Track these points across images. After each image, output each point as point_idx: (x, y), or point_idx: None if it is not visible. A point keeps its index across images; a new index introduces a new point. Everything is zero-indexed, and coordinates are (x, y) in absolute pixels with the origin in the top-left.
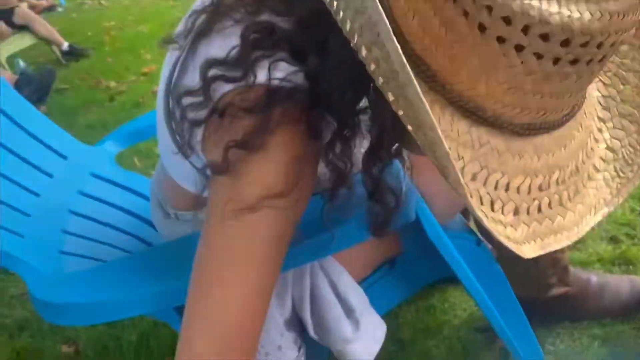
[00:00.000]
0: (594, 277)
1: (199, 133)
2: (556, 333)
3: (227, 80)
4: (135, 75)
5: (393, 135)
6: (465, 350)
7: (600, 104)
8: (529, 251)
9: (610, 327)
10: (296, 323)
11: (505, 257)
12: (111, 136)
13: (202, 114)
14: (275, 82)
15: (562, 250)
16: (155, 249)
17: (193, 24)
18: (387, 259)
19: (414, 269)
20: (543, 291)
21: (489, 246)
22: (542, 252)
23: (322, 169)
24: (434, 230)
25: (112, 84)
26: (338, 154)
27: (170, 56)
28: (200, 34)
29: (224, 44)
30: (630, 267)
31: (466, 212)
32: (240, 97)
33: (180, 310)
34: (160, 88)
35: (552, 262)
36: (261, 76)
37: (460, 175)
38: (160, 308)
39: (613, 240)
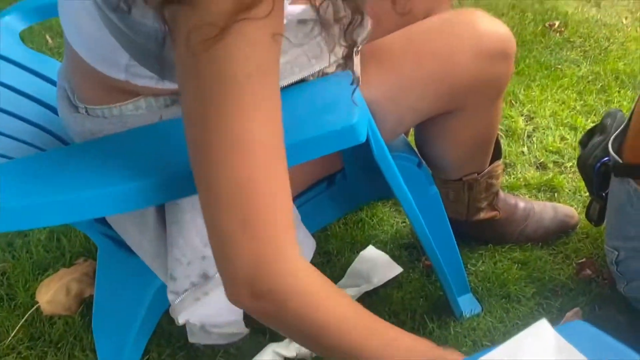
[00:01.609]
0: (522, 203)
1: None
2: (479, 254)
3: None
4: None
5: None
6: None
7: None
8: None
9: (530, 251)
10: None
11: (441, 180)
12: (15, 9)
13: None
14: None
15: (497, 176)
16: (71, 148)
17: None
18: (326, 176)
19: (352, 188)
20: (472, 214)
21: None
22: None
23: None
24: (382, 151)
25: None
26: None
27: None
28: None
29: None
30: (555, 194)
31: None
32: None
33: (101, 220)
34: None
35: (486, 187)
36: None
37: None
38: (80, 219)
39: (541, 166)
